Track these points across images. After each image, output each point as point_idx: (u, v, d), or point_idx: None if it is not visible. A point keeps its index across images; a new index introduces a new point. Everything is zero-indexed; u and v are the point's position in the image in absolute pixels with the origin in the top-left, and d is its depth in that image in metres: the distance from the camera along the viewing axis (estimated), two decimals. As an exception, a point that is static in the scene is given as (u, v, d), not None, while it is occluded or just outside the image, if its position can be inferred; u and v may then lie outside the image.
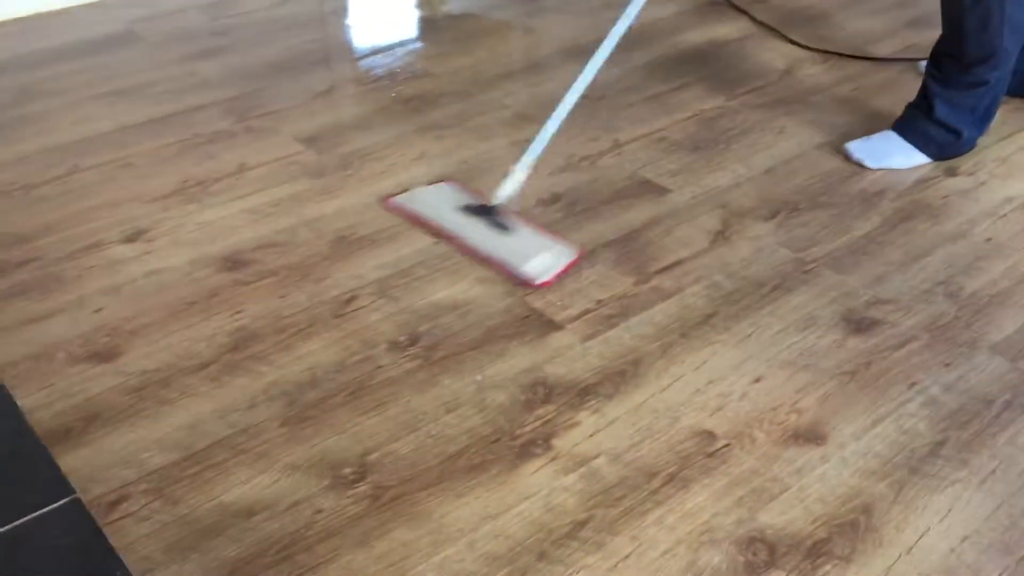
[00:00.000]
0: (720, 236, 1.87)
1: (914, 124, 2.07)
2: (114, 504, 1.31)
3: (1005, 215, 1.92)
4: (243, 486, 1.34)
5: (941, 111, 2.02)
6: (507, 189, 1.84)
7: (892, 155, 2.06)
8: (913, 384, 1.51)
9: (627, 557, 1.25)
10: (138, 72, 2.49)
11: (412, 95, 2.39)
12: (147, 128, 2.23)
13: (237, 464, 1.37)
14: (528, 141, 2.18)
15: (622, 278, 1.76)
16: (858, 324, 1.64)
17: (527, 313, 1.67)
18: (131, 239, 1.85)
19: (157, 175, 2.05)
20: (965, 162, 2.09)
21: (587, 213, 1.94)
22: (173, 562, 1.23)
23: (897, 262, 1.79)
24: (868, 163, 2.06)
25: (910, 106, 2.10)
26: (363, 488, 1.34)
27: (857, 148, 2.09)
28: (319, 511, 1.30)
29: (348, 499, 1.32)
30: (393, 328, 1.64)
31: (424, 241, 1.85)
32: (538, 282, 1.71)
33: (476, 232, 1.82)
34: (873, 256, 1.81)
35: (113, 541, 1.25)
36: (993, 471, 1.36)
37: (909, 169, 2.06)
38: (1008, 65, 1.98)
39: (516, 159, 1.86)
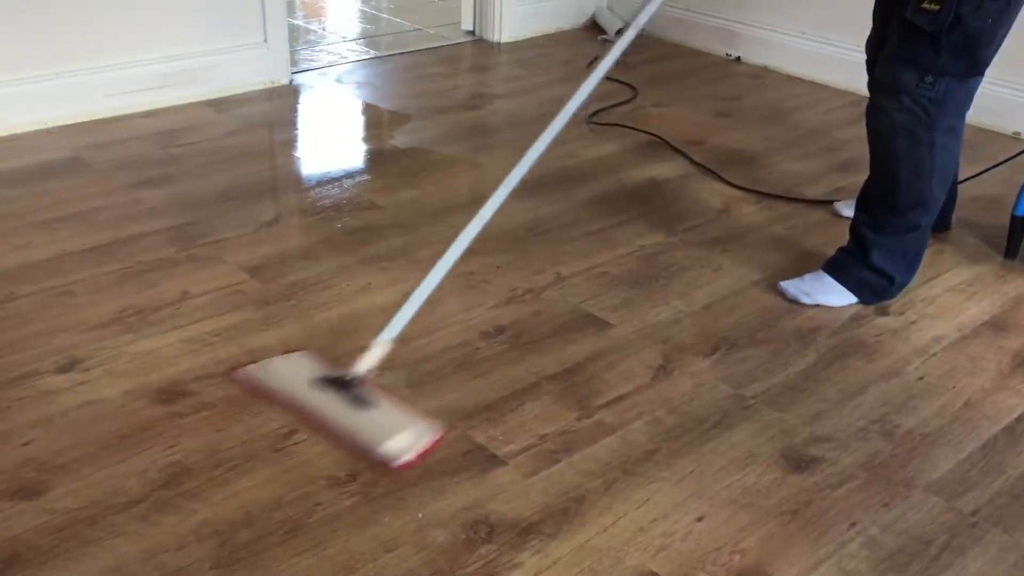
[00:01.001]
0: (662, 371, 1.90)
1: (848, 270, 2.12)
2: (29, 655, 1.23)
3: (935, 354, 1.98)
4: (169, 634, 1.28)
5: (876, 256, 2.08)
6: (367, 361, 1.69)
7: (825, 293, 2.12)
8: (853, 524, 1.52)
9: None
10: (83, 199, 2.48)
11: (358, 227, 2.42)
12: (88, 255, 2.21)
13: (164, 610, 1.31)
14: (473, 274, 2.22)
15: (565, 412, 1.76)
16: (797, 462, 1.66)
17: (469, 448, 1.66)
18: (65, 369, 1.81)
19: (96, 303, 2.03)
20: (896, 301, 2.16)
21: (531, 346, 1.96)
22: None
23: (833, 399, 1.82)
24: (802, 299, 2.12)
25: (842, 251, 2.16)
26: (296, 635, 1.29)
27: (791, 286, 2.14)
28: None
29: (280, 647, 1.27)
30: (333, 463, 1.61)
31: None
32: (397, 464, 1.56)
33: (332, 407, 1.65)
34: (810, 393, 1.84)
35: None
36: (935, 614, 1.36)
37: (842, 307, 2.12)
38: (936, 210, 2.08)
39: (382, 331, 1.73)
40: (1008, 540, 1.50)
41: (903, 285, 2.15)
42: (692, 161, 2.88)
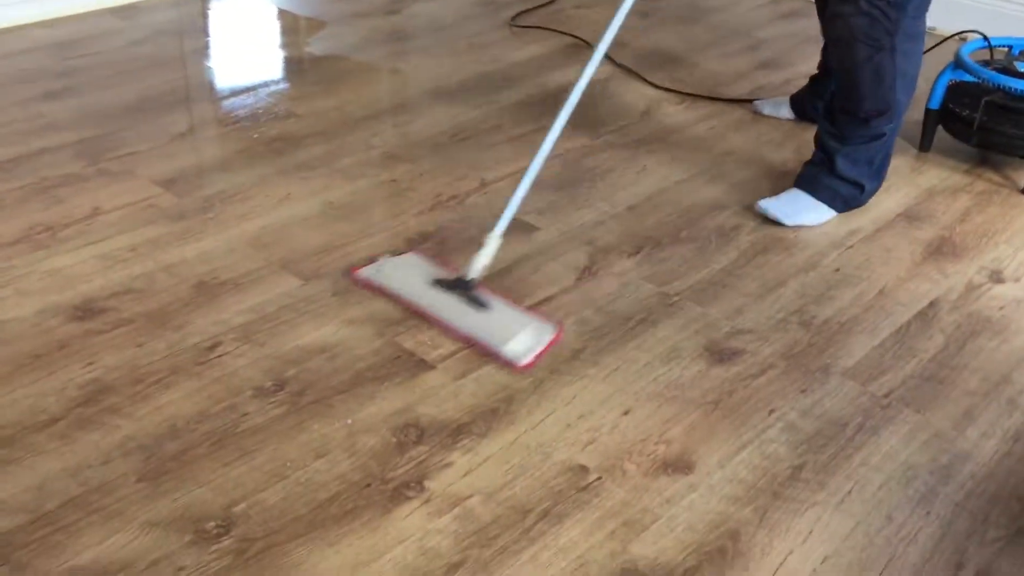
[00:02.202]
0: (587, 272, 1.91)
1: (818, 180, 2.09)
2: (-48, 575, 1.22)
3: (852, 246, 2.02)
4: (97, 547, 1.26)
5: (842, 165, 2.06)
6: (480, 261, 1.73)
7: (804, 212, 2.08)
8: (772, 411, 1.57)
9: (502, 597, 1.24)
10: (-19, 113, 2.36)
11: (275, 136, 2.36)
12: (-9, 172, 2.11)
13: (90, 524, 1.30)
14: (396, 181, 2.18)
15: (492, 316, 1.76)
16: (720, 354, 1.69)
17: (398, 354, 1.65)
18: (-28, 289, 1.74)
19: (2, 221, 1.94)
20: (814, 197, 2.19)
21: (457, 251, 1.94)
22: (19, 634, 1.15)
23: (754, 293, 1.86)
24: (784, 220, 2.06)
25: (810, 164, 2.12)
26: (228, 542, 1.29)
27: (771, 206, 2.08)
28: (180, 568, 1.24)
29: (212, 555, 1.27)
30: (259, 374, 1.59)
31: (289, 284, 1.81)
32: (521, 363, 1.62)
33: (452, 309, 1.71)
34: (732, 288, 1.87)
35: (-49, 615, 1.16)
36: (849, 492, 1.42)
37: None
38: (901, 117, 2.04)
39: (494, 220, 1.75)
40: (920, 419, 1.56)
41: (873, 192, 2.13)
42: (614, 63, 2.85)
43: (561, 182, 2.22)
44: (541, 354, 1.64)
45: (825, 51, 2.35)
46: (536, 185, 2.20)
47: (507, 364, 1.62)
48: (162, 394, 1.53)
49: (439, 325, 1.70)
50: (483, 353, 1.64)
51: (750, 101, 2.63)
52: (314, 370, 1.60)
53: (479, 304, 1.71)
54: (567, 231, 2.04)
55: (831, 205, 2.10)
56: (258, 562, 1.26)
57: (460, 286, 1.73)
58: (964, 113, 2.27)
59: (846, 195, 2.10)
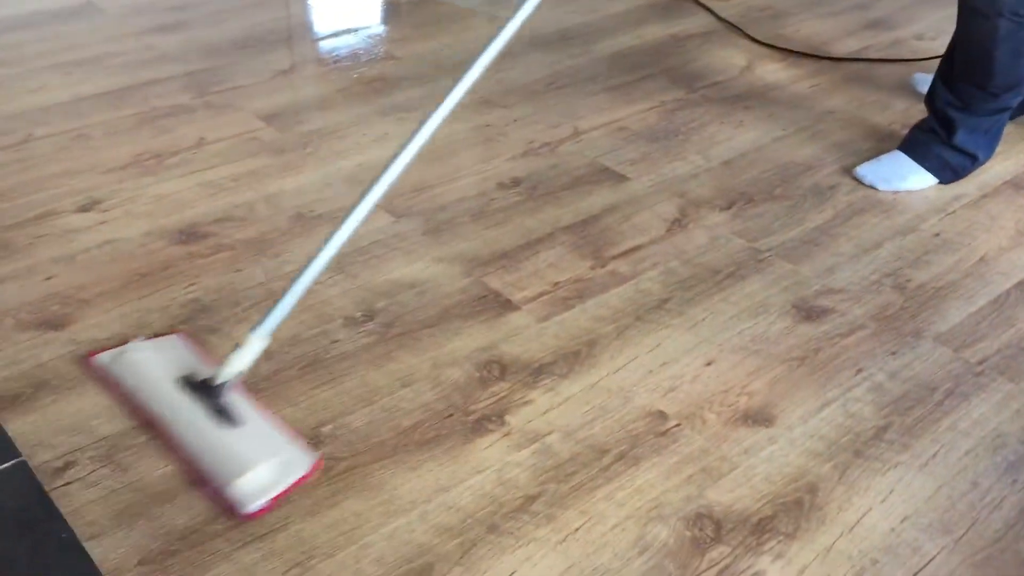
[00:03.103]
0: (677, 224, 1.90)
1: (929, 148, 2.02)
2: (61, 470, 1.29)
3: (954, 212, 1.96)
4: (193, 455, 1.33)
5: (962, 138, 1.99)
6: (238, 363, 1.34)
7: (905, 178, 2.02)
8: (860, 371, 1.55)
9: (576, 531, 1.26)
10: (96, 44, 2.45)
11: (374, 77, 2.39)
12: (103, 100, 2.20)
13: (188, 433, 1.36)
14: (490, 126, 2.20)
15: (579, 262, 1.77)
16: (808, 312, 1.67)
17: (484, 293, 1.68)
18: (85, 209, 1.83)
19: (113, 147, 2.03)
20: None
21: (547, 198, 1.95)
22: (120, 528, 1.22)
23: (848, 253, 1.83)
24: (880, 186, 2.01)
25: (921, 129, 2.05)
26: (315, 459, 1.34)
27: (869, 172, 2.03)
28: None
29: (300, 470, 1.32)
30: (350, 304, 1.64)
31: (382, 220, 1.85)
32: (245, 511, 1.24)
33: (188, 419, 1.34)
34: (825, 247, 1.84)
35: (60, 506, 1.23)
36: (934, 455, 1.40)
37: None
38: None
39: (285, 285, 1.40)
40: (1013, 388, 1.52)
41: (984, 162, 2.06)
42: (717, 17, 2.80)
43: (655, 133, 2.20)
44: (280, 496, 1.26)
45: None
46: (629, 136, 2.20)
47: (227, 508, 1.24)
48: (257, 316, 1.58)
49: (164, 439, 1.34)
50: (203, 488, 1.27)
51: (856, 60, 2.56)
52: (403, 304, 1.64)
53: (225, 417, 1.33)
54: (659, 182, 2.03)
55: (938, 175, 2.02)
56: (343, 480, 1.31)
57: (207, 391, 1.35)
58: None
59: (956, 165, 2.02)
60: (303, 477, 1.29)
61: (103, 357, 1.46)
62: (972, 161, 2.02)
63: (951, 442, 1.42)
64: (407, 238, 1.81)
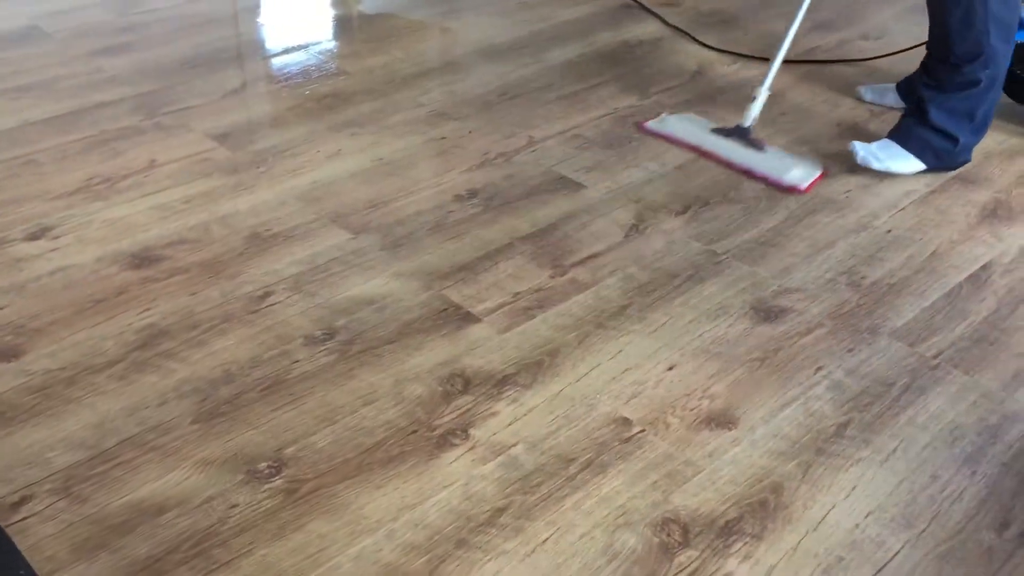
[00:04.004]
0: (634, 230, 1.91)
1: (910, 131, 2.06)
2: (17, 504, 1.26)
3: (904, 208, 2.00)
4: (153, 483, 1.31)
5: (935, 115, 2.01)
6: (753, 111, 2.09)
7: (894, 159, 2.05)
8: (819, 369, 1.56)
9: (545, 542, 1.26)
10: (43, 68, 2.41)
11: (326, 93, 2.38)
12: (52, 124, 2.16)
13: (147, 462, 1.34)
14: (444, 139, 2.20)
15: (539, 271, 1.78)
16: (767, 312, 1.69)
17: (444, 307, 1.68)
18: (35, 236, 1.79)
19: (62, 172, 2.00)
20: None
21: (504, 208, 1.96)
22: (80, 562, 1.19)
23: (803, 253, 1.85)
24: (872, 163, 2.05)
25: (905, 115, 2.10)
26: (279, 482, 1.32)
27: (863, 148, 2.07)
28: (234, 506, 1.28)
29: (264, 493, 1.31)
30: (309, 323, 1.62)
31: (339, 237, 1.84)
32: (802, 187, 2.00)
33: (734, 151, 2.10)
34: (780, 247, 1.86)
35: (17, 542, 1.21)
36: (894, 450, 1.41)
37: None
38: (1001, 65, 1.96)
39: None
40: (968, 380, 1.55)
41: (969, 147, 2.07)
42: (666, 23, 2.82)
43: (609, 140, 2.22)
44: (813, 183, 2.02)
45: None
46: (584, 143, 2.21)
47: (788, 190, 2.00)
48: (216, 340, 1.57)
49: (725, 164, 2.09)
50: (764, 182, 2.02)
51: (804, 63, 2.59)
52: (363, 320, 1.63)
53: (756, 146, 2.10)
54: (615, 189, 2.04)
55: (920, 157, 2.05)
56: (308, 501, 1.30)
57: (738, 133, 2.12)
58: (1020, 72, 2.22)
59: (937, 147, 2.04)
60: (821, 174, 2.07)
61: (651, 123, 2.26)
62: (954, 144, 2.03)
63: (910, 436, 1.44)
64: (365, 254, 1.80)
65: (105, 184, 1.96)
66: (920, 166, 2.06)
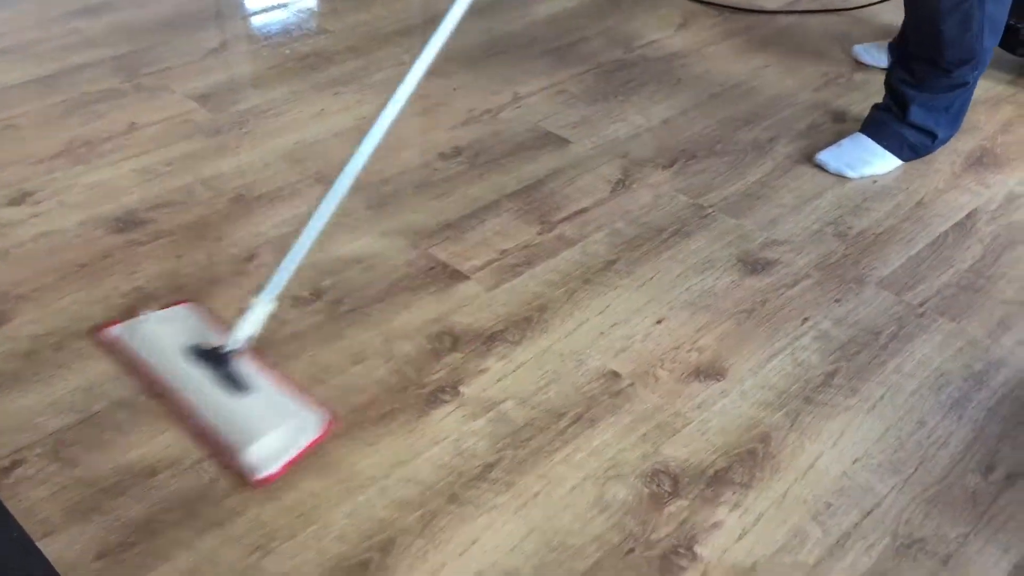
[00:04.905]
0: (621, 185, 1.90)
1: (886, 128, 1.95)
2: (8, 469, 1.26)
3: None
4: (144, 446, 1.31)
5: (916, 114, 1.91)
6: (244, 329, 1.36)
7: (869, 162, 1.94)
8: (806, 319, 1.57)
9: (536, 495, 1.27)
10: (18, 31, 2.37)
11: (307, 52, 2.35)
12: (30, 88, 2.13)
13: (137, 424, 1.34)
14: (428, 96, 2.18)
15: (526, 228, 1.77)
16: (754, 265, 1.69)
17: (432, 265, 1.67)
18: (16, 202, 1.77)
19: (42, 136, 1.97)
20: (855, 106, 2.16)
21: (490, 165, 1.94)
22: (73, 524, 1.20)
23: (790, 205, 1.85)
24: (848, 174, 1.92)
25: (879, 108, 1.99)
26: (270, 442, 1.32)
27: (832, 159, 1.94)
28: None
29: (255, 453, 1.31)
30: (296, 284, 1.61)
31: (325, 197, 1.83)
32: (257, 477, 1.25)
33: (199, 388, 1.35)
34: (767, 200, 1.86)
35: (9, 506, 1.21)
36: (881, 397, 1.43)
37: (804, 120, 2.08)
38: (987, 62, 1.86)
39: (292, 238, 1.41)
40: (954, 327, 1.56)
41: (947, 140, 1.99)
42: (650, -25, 2.79)
43: (595, 96, 2.20)
44: (292, 461, 1.28)
45: None
46: (569, 99, 2.19)
47: (241, 474, 1.26)
48: (203, 302, 1.57)
49: (176, 409, 1.35)
50: (216, 456, 1.29)
51: (789, 13, 2.57)
52: (350, 280, 1.63)
53: (235, 384, 1.35)
54: (601, 144, 2.03)
55: (897, 154, 1.95)
56: (298, 462, 1.30)
57: (215, 359, 1.36)
58: (1011, 23, 2.20)
59: (915, 143, 1.94)
60: (314, 441, 1.31)
61: (114, 330, 1.47)
62: (932, 139, 1.95)
63: (897, 384, 1.45)
64: (351, 214, 1.79)
65: (86, 147, 1.94)
66: (896, 162, 1.95)
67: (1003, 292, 1.63)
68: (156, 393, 1.37)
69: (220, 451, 1.29)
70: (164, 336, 1.44)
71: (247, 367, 1.38)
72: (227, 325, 1.41)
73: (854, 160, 1.94)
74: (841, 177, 1.93)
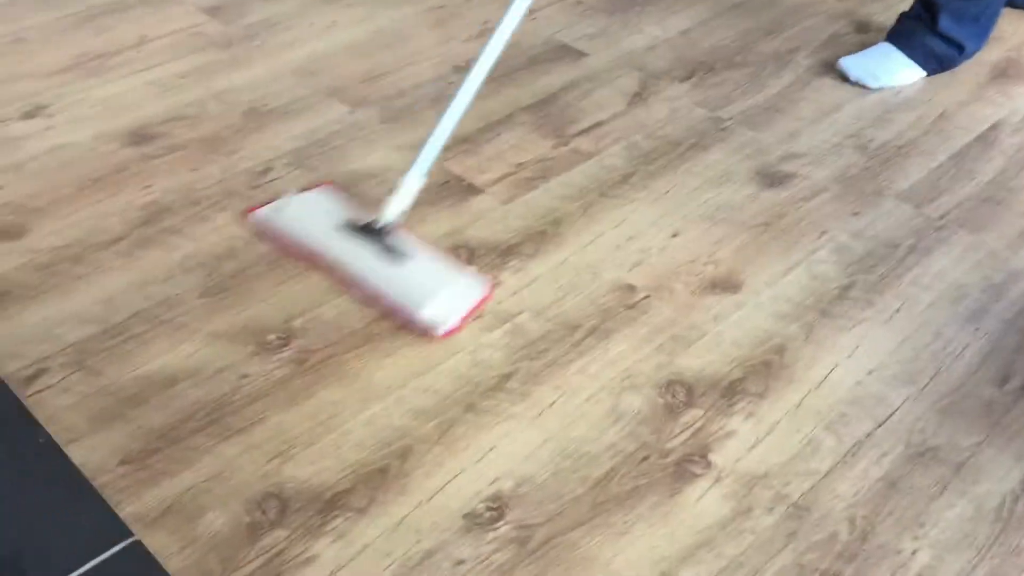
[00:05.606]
0: (637, 98, 1.87)
1: (913, 37, 1.90)
2: (32, 378, 1.28)
3: (913, 70, 1.95)
4: (164, 356, 1.32)
5: (945, 23, 1.86)
6: (398, 205, 1.43)
7: (892, 73, 1.90)
8: (823, 232, 1.56)
9: (552, 405, 1.28)
10: (22, -58, 2.33)
11: (319, -38, 2.30)
12: (36, 1, 2.10)
13: (157, 335, 1.35)
14: (443, 7, 2.13)
15: (541, 141, 1.75)
16: (772, 177, 1.67)
17: (446, 179, 1.66)
18: (30, 115, 1.77)
19: (52, 49, 1.95)
20: (879, 16, 2.11)
21: (504, 79, 1.92)
22: (97, 431, 1.22)
23: (809, 117, 1.82)
24: (869, 83, 1.89)
25: (907, 16, 1.94)
26: (288, 353, 1.34)
27: (854, 66, 1.90)
28: (244, 376, 1.30)
29: (274, 363, 1.32)
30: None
31: (338, 111, 1.81)
32: (440, 332, 1.36)
33: (362, 260, 1.42)
34: (786, 112, 1.83)
35: (35, 414, 1.23)
36: (898, 310, 1.42)
37: (824, 28, 2.04)
38: None
39: (405, 167, 1.44)
40: (973, 240, 1.54)
41: (973, 54, 1.94)
42: None
43: (612, 6, 2.15)
44: (466, 317, 1.39)
45: None
46: (585, 10, 2.14)
47: (421, 333, 1.36)
48: (218, 216, 1.57)
49: (342, 281, 1.43)
50: (395, 316, 1.38)
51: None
52: (366, 194, 1.62)
53: (395, 254, 1.42)
54: (618, 56, 1.99)
55: (923, 66, 1.90)
56: (317, 371, 1.31)
57: (374, 233, 1.43)
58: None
59: (942, 55, 1.90)
60: (483, 300, 1.42)
61: (261, 212, 1.53)
62: (959, 51, 1.91)
63: (914, 296, 1.45)
64: (365, 127, 1.77)
65: (97, 61, 1.92)
66: (921, 73, 1.91)
67: (1024, 205, 1.62)
68: (317, 268, 1.45)
69: (395, 314, 1.38)
70: (314, 215, 1.51)
71: (402, 240, 1.45)
72: (368, 206, 1.51)
73: (878, 70, 1.90)
74: (862, 87, 1.89)
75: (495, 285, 1.44)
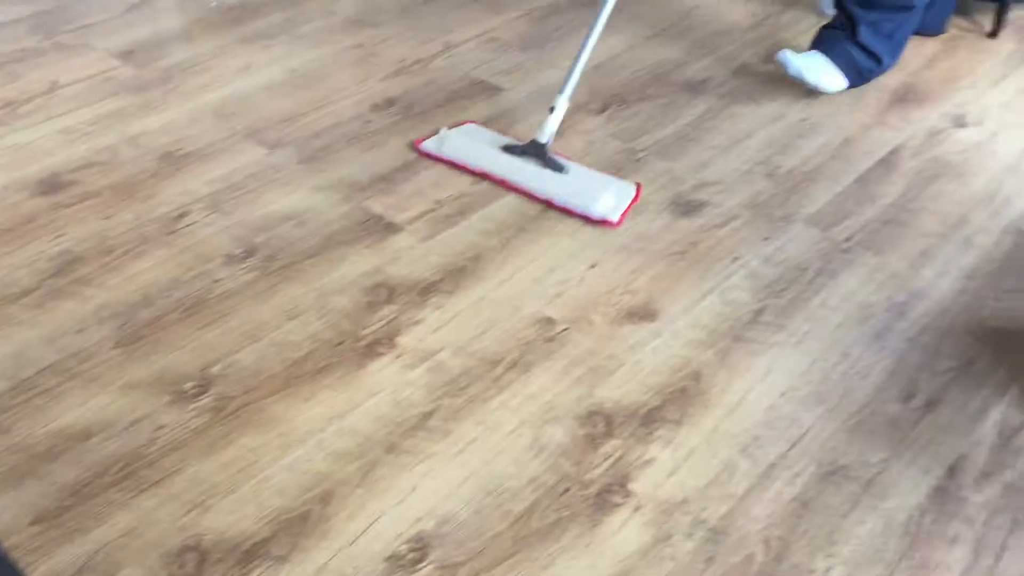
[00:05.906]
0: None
1: (838, 44, 1.98)
2: (-62, 439, 1.25)
3: (819, 95, 2.02)
4: (77, 409, 1.30)
5: (864, 34, 1.95)
6: (552, 125, 1.74)
7: (821, 75, 1.97)
8: (736, 259, 1.60)
9: (474, 441, 1.29)
10: (-73, -10, 2.29)
11: (233, 5, 2.30)
12: (-58, 50, 2.07)
13: (69, 389, 1.33)
14: (360, 47, 2.15)
15: (460, 177, 1.77)
16: (686, 207, 1.71)
17: (366, 218, 1.67)
18: (-66, 168, 1.73)
19: (-42, 99, 1.92)
20: (791, 43, 2.17)
21: (423, 116, 1.93)
22: (8, 490, 1.19)
23: (720, 146, 1.87)
24: (807, 77, 1.95)
25: (828, 27, 2.02)
26: (206, 400, 1.33)
27: (794, 59, 1.95)
28: (161, 427, 1.28)
29: (191, 412, 1.31)
30: (228, 241, 1.60)
31: (255, 153, 1.81)
32: (615, 220, 1.65)
33: (529, 174, 1.73)
34: (698, 142, 1.88)
35: (-60, 476, 1.20)
36: (807, 332, 1.46)
37: (738, 59, 2.10)
38: None
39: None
40: (878, 261, 1.60)
41: (888, 68, 2.03)
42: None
43: (526, 42, 2.19)
44: (626, 211, 1.68)
45: None
46: (501, 46, 2.18)
47: (599, 223, 1.65)
48: (133, 264, 1.55)
49: (519, 191, 1.72)
50: (569, 214, 1.67)
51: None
52: (283, 236, 1.62)
53: (556, 167, 1.73)
54: (533, 91, 2.02)
55: (845, 73, 1.98)
56: (236, 418, 1.30)
57: (534, 151, 1.75)
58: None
59: (862, 66, 1.99)
60: (635, 197, 1.71)
61: (426, 144, 1.82)
62: (877, 64, 1.99)
63: (822, 318, 1.49)
64: (282, 169, 1.77)
65: (6, 109, 1.89)
66: (844, 83, 2.00)
67: (925, 225, 1.67)
68: (494, 182, 1.74)
69: (571, 212, 1.67)
70: (475, 143, 1.80)
71: (558, 155, 1.77)
72: (511, 133, 1.86)
73: (811, 70, 1.96)
74: (800, 81, 1.96)
75: (641, 186, 1.74)
